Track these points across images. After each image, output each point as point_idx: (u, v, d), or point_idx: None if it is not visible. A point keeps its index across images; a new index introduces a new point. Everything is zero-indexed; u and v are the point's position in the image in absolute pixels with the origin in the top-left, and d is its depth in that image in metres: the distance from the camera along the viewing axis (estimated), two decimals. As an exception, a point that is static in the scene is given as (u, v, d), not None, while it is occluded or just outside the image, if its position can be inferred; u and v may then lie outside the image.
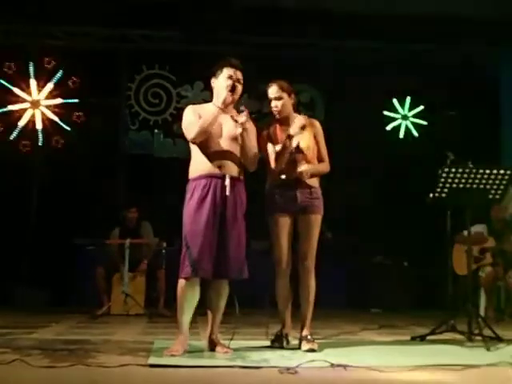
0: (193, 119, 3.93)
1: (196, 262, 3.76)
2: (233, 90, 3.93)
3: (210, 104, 4.08)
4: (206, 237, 3.78)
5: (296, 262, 4.21)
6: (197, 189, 3.86)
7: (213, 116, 3.88)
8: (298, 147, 4.18)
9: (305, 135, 4.21)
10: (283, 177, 4.15)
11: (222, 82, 3.98)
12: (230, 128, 3.95)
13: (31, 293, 7.71)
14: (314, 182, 4.23)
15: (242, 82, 4.03)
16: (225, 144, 3.93)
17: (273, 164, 4.20)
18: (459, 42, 8.48)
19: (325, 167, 4.28)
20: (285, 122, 4.26)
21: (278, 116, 4.25)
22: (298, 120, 4.23)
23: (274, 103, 4.26)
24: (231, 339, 3.92)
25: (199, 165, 3.91)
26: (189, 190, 3.92)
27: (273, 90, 4.26)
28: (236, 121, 3.92)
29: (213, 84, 4.06)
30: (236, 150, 3.96)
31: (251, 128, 4.06)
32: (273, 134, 4.25)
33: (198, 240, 3.78)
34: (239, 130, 3.90)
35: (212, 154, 3.90)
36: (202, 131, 3.86)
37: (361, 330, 5.35)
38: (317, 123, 4.34)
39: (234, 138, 3.95)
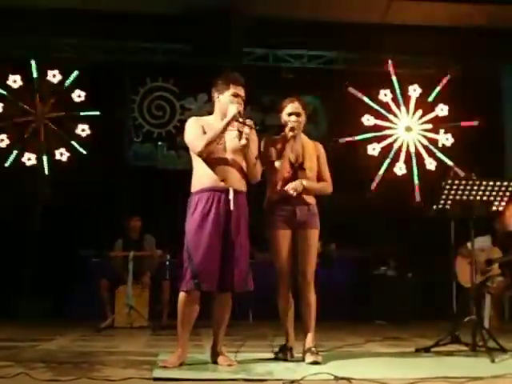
0: (197, 132, 3.94)
1: (199, 276, 3.77)
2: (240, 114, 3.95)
3: (212, 117, 4.10)
4: (210, 250, 3.79)
5: (296, 276, 4.24)
6: (200, 202, 3.87)
7: (221, 129, 3.89)
8: (301, 165, 4.24)
9: (311, 156, 4.28)
10: (279, 187, 4.18)
11: (227, 99, 3.99)
12: (234, 141, 3.97)
13: (34, 305, 7.70)
14: (312, 199, 4.29)
15: (244, 98, 4.06)
16: (228, 157, 3.94)
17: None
18: (459, 51, 8.53)
19: (325, 186, 4.35)
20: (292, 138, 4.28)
21: (294, 132, 4.22)
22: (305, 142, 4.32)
23: (294, 117, 4.27)
24: (237, 352, 3.92)
25: (202, 178, 3.92)
26: (192, 203, 3.92)
27: (295, 105, 4.29)
28: (241, 132, 3.93)
29: (216, 98, 4.07)
30: (239, 162, 3.98)
31: (254, 139, 4.07)
32: (279, 148, 4.26)
33: (201, 253, 3.78)
34: (244, 141, 3.91)
35: (215, 167, 3.91)
36: (209, 144, 3.87)
37: (365, 342, 5.33)
38: (320, 146, 4.42)
39: (238, 151, 3.97)
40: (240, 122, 3.93)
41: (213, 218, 3.82)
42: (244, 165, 4.00)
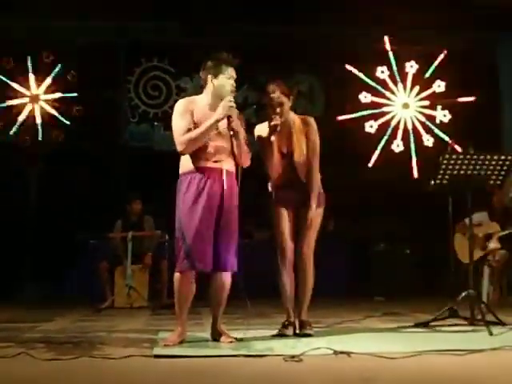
0: (183, 124, 3.84)
1: (193, 256, 3.76)
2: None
3: (203, 97, 4.00)
4: (203, 230, 3.78)
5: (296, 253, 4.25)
6: (193, 182, 3.83)
7: (207, 128, 3.80)
8: (290, 153, 4.19)
9: (299, 138, 4.21)
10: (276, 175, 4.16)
11: (222, 82, 3.91)
12: (223, 125, 3.87)
13: (34, 288, 7.72)
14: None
15: (235, 79, 3.99)
16: (219, 137, 3.88)
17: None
18: (459, 27, 8.46)
19: (316, 184, 4.23)
20: (282, 124, 4.20)
21: (278, 119, 4.15)
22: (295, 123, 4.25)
23: (276, 107, 4.17)
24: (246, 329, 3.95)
25: (194, 158, 3.86)
26: (183, 183, 3.87)
27: (275, 95, 4.18)
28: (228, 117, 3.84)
29: (210, 80, 3.94)
30: (228, 142, 3.90)
31: (240, 121, 3.98)
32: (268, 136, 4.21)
33: (194, 233, 3.77)
34: (229, 124, 3.82)
35: (207, 147, 3.85)
36: (191, 143, 3.80)
37: (364, 317, 5.35)
38: (311, 121, 4.29)
39: (227, 135, 3.88)
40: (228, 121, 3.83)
41: (206, 198, 3.80)
42: (234, 148, 3.89)
